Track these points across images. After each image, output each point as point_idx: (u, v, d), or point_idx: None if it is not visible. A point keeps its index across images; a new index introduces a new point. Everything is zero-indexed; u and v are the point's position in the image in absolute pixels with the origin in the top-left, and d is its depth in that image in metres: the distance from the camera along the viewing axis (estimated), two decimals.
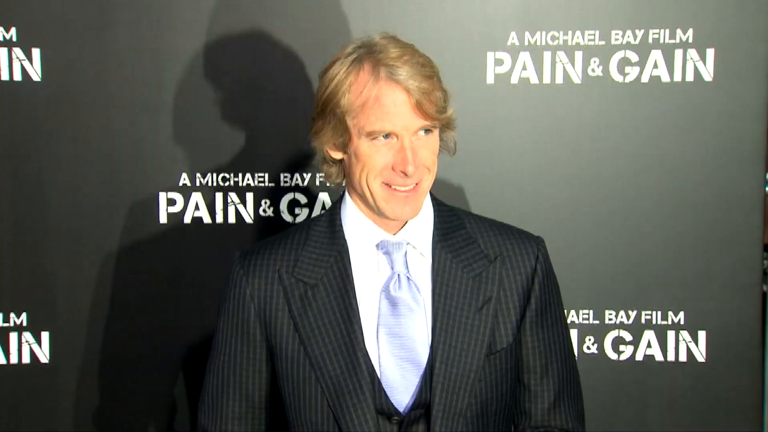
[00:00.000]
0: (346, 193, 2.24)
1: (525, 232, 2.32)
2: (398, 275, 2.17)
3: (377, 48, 2.08)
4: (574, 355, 2.37)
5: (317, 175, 3.05)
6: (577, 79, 3.00)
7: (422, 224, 2.22)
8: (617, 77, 2.99)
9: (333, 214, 2.26)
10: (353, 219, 2.20)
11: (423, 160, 2.10)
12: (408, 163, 2.06)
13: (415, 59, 2.08)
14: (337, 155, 2.16)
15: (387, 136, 2.07)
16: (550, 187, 3.04)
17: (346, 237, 2.21)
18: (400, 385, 2.14)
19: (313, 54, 2.94)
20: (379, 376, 2.13)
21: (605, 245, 3.05)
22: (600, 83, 2.99)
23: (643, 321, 3.07)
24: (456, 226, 2.26)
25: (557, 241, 2.92)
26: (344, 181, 2.23)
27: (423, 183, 2.14)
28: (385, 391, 2.13)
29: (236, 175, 3.06)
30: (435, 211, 2.26)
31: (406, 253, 2.19)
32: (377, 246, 2.19)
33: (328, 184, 2.27)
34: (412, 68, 2.07)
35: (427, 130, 2.11)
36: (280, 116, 3.01)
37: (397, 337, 2.14)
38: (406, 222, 2.19)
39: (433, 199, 2.28)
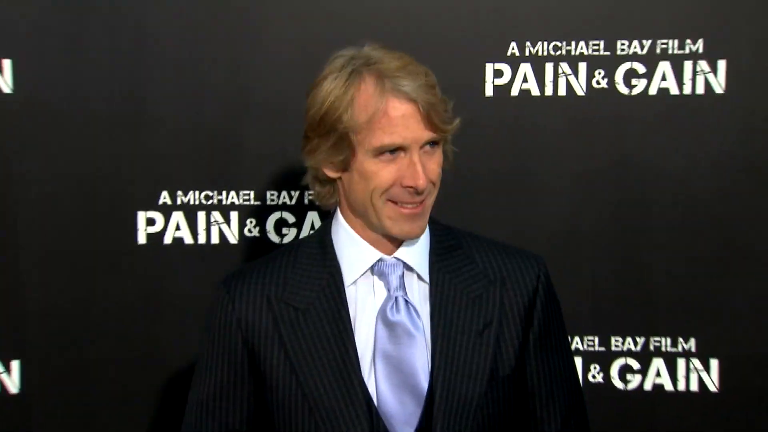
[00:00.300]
0: (338, 213, 2.24)
1: (525, 251, 2.33)
2: (395, 298, 2.17)
3: (374, 59, 2.10)
4: (579, 380, 2.40)
5: (306, 193, 3.06)
6: (581, 92, 3.03)
7: (418, 244, 2.23)
8: (623, 89, 3.02)
9: (323, 234, 2.27)
10: (346, 239, 2.22)
11: (430, 175, 2.12)
12: (419, 177, 2.08)
13: (416, 69, 2.11)
14: (335, 174, 2.17)
15: (394, 151, 2.09)
16: (552, 205, 3.06)
17: (339, 259, 2.21)
18: (399, 415, 2.14)
19: (302, 65, 2.94)
20: (376, 405, 2.13)
21: (611, 267, 3.07)
22: (605, 96, 3.02)
23: (651, 348, 3.09)
24: (453, 246, 2.28)
25: (560, 262, 2.94)
26: (336, 201, 2.26)
27: (428, 199, 2.16)
28: (383, 422, 2.12)
29: (220, 193, 3.07)
30: (430, 229, 2.26)
31: (403, 274, 2.20)
32: (372, 268, 2.20)
33: (316, 203, 2.29)
34: (417, 79, 2.09)
35: (433, 143, 2.13)
36: (267, 130, 3.02)
37: (396, 363, 2.14)
38: (402, 242, 2.21)
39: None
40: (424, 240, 2.25)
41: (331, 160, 2.15)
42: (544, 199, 3.06)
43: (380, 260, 2.20)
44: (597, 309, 3.08)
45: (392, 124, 2.07)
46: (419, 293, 2.22)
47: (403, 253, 2.21)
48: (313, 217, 3.08)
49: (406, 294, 2.19)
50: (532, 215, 3.07)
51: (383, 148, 2.08)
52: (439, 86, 2.18)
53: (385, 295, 2.19)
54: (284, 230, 3.09)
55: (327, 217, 2.33)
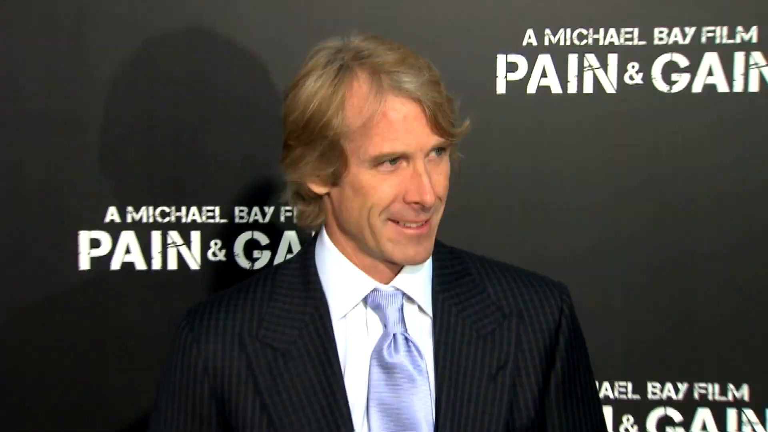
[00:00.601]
0: (323, 234, 2.25)
1: (544, 277, 2.35)
2: (393, 335, 2.18)
3: (366, 52, 2.11)
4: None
5: (282, 208, 3.07)
6: (611, 89, 3.05)
7: (420, 270, 2.25)
8: (662, 86, 3.05)
9: (305, 259, 2.28)
10: (334, 266, 2.23)
11: (437, 188, 2.14)
12: (426, 191, 2.09)
13: (417, 62, 2.13)
14: (322, 190, 2.19)
15: (395, 160, 2.10)
16: (577, 223, 3.08)
17: (325, 289, 2.23)
18: None
19: (278, 57, 2.98)
20: None
21: (648, 297, 3.09)
22: (640, 94, 3.05)
23: (696, 396, 3.10)
24: (460, 272, 2.30)
25: (587, 291, 2.97)
26: (322, 222, 2.27)
27: (435, 217, 2.17)
28: None
29: (178, 209, 3.07)
30: (433, 253, 2.26)
31: (402, 306, 2.22)
32: (365, 299, 2.21)
33: (298, 224, 2.30)
34: (419, 74, 2.11)
35: (440, 150, 2.14)
36: (236, 135, 3.03)
37: (394, 413, 2.15)
38: (401, 268, 2.22)
39: None
40: (427, 266, 2.27)
41: (318, 173, 2.16)
42: (568, 216, 3.08)
43: (375, 290, 2.22)
44: (631, 348, 3.10)
45: (393, 129, 2.09)
46: (421, 329, 2.23)
47: (402, 281, 2.23)
48: (290, 238, 3.09)
49: (406, 330, 2.21)
50: (553, 236, 3.08)
51: (382, 157, 2.09)
52: (443, 82, 2.20)
53: (381, 332, 2.20)
54: (256, 254, 3.10)
55: (307, 238, 2.35)
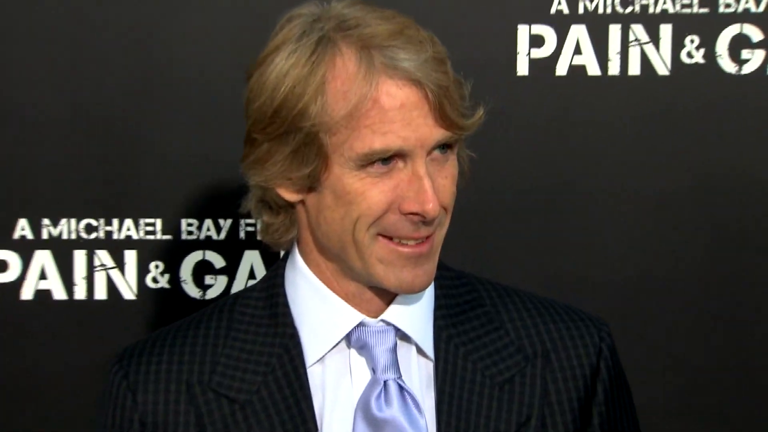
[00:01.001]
0: (296, 254, 2.27)
1: (577, 310, 2.36)
2: (384, 383, 2.19)
3: (352, 21, 2.12)
4: None
5: (242, 221, 3.09)
6: (663, 70, 3.07)
7: (418, 300, 2.26)
8: (729, 67, 3.07)
9: (272, 286, 2.30)
10: (309, 294, 2.25)
11: (442, 195, 2.14)
12: (428, 199, 2.09)
13: (418, 35, 2.13)
14: (295, 196, 2.20)
15: (388, 159, 2.10)
16: (616, 239, 3.10)
17: (298, 324, 2.24)
18: None
19: (238, 28, 3.00)
20: None
21: (708, 339, 3.11)
22: (701, 76, 3.07)
23: None
24: (470, 303, 2.32)
25: (629, 328, 2.99)
26: (294, 237, 2.29)
27: (439, 232, 2.18)
28: None
29: (109, 222, 3.10)
30: (435, 278, 2.26)
31: (395, 346, 2.23)
32: (349, 337, 2.22)
33: (263, 240, 2.31)
34: (420, 50, 2.11)
35: (445, 147, 2.15)
36: (183, 128, 3.06)
37: None
38: (394, 297, 2.23)
39: None
40: (427, 295, 2.29)
41: (291, 176, 2.16)
42: (606, 230, 3.09)
43: (361, 325, 2.23)
44: (687, 403, 3.12)
45: (386, 119, 2.09)
46: (420, 375, 2.25)
47: (395, 313, 2.24)
48: (252, 260, 3.10)
49: (400, 376, 2.22)
50: (587, 255, 3.10)
51: (373, 155, 2.10)
52: (451, 60, 2.22)
53: (368, 379, 2.21)
54: (208, 279, 3.11)
55: (275, 259, 2.35)
